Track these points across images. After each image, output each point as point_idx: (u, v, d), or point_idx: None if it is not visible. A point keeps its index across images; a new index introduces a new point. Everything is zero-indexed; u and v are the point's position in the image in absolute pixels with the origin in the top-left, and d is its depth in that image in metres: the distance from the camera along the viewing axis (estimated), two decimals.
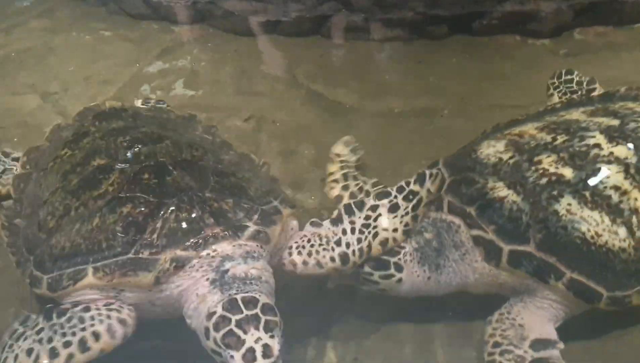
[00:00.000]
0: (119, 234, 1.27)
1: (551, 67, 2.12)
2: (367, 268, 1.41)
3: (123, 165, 1.41)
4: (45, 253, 1.36)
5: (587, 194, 1.36)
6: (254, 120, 2.21)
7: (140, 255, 1.25)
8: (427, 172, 1.43)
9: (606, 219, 1.34)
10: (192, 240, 1.26)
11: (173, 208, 1.30)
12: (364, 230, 1.40)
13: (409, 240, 1.44)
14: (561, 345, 1.29)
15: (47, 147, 1.72)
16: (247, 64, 2.58)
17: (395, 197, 1.43)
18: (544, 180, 1.39)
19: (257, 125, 2.19)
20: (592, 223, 1.34)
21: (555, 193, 1.37)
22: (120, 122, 1.65)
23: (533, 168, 1.42)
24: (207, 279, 1.23)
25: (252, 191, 1.43)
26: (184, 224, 1.27)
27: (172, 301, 1.27)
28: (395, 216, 1.42)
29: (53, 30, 2.97)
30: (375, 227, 1.41)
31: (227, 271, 1.23)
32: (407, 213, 1.41)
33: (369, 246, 1.39)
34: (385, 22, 2.59)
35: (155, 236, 1.26)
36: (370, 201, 1.44)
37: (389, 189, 1.44)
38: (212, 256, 1.25)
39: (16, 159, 1.83)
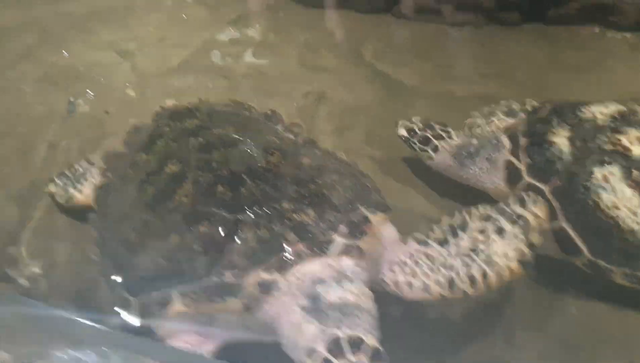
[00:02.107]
0: (199, 254, 1.21)
1: (629, 63, 2.03)
2: (414, 138, 1.72)
3: (195, 173, 1.33)
4: (130, 272, 1.32)
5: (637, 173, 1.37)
6: (314, 94, 2.24)
7: (224, 279, 1.18)
8: (526, 196, 1.34)
9: (636, 201, 1.35)
10: (274, 260, 1.17)
11: (251, 224, 1.21)
12: (473, 255, 1.27)
13: (457, 132, 1.70)
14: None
15: (125, 151, 1.65)
16: (315, 37, 2.61)
17: (498, 221, 1.31)
18: (608, 146, 1.43)
19: (316, 100, 2.21)
20: (620, 196, 1.36)
21: (606, 158, 1.41)
22: (195, 121, 1.56)
23: (611, 134, 1.45)
24: (299, 305, 1.14)
25: (337, 197, 1.31)
26: (264, 243, 1.19)
27: (265, 326, 1.19)
28: (506, 242, 1.28)
29: None
30: (486, 253, 1.27)
31: (319, 296, 1.13)
32: (517, 238, 1.28)
33: (484, 275, 1.24)
34: (457, 5, 2.54)
35: (235, 256, 1.19)
36: (473, 223, 1.33)
37: (489, 211, 1.34)
38: (299, 278, 1.16)
39: (92, 164, 1.80)
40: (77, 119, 2.15)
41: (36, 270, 1.60)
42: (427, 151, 1.71)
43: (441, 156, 1.70)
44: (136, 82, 2.35)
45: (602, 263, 1.37)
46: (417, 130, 1.75)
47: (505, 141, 1.59)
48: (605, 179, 1.38)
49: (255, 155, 1.37)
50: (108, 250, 1.41)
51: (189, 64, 2.47)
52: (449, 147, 1.69)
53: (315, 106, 2.19)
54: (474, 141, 1.66)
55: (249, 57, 2.52)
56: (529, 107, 1.72)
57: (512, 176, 1.54)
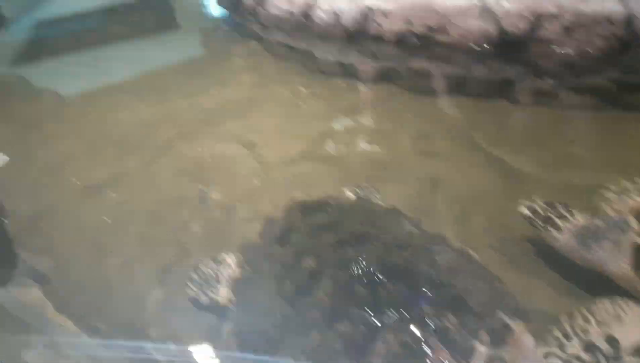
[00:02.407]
0: (340, 354, 1.21)
1: None
2: (538, 218, 1.72)
3: (332, 270, 1.36)
4: None
5: None
6: (429, 181, 2.28)
7: None
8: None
9: None
10: None
11: (392, 326, 1.21)
12: None
13: (581, 214, 1.68)
14: None
15: (260, 244, 1.70)
16: (428, 124, 2.68)
17: None
18: None
19: (432, 187, 2.25)
20: None
21: None
22: (326, 218, 1.62)
23: None
24: None
25: (475, 301, 1.27)
26: (406, 346, 1.17)
27: None
28: None
29: (259, 84, 3.36)
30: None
31: None
32: None
33: None
34: (574, 89, 2.52)
35: (376, 359, 1.17)
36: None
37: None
38: None
39: (221, 263, 1.82)
40: (208, 207, 2.32)
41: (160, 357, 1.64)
42: (551, 232, 1.70)
43: (565, 237, 1.68)
44: (260, 172, 2.51)
45: None
46: (540, 210, 1.76)
47: (633, 223, 1.55)
48: None
49: (389, 252, 1.38)
50: (248, 345, 1.42)
51: (307, 153, 2.61)
52: (573, 227, 1.68)
53: (432, 193, 2.22)
54: (599, 222, 1.63)
55: (363, 145, 2.62)
56: None
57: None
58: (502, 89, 2.73)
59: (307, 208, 1.71)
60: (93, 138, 2.97)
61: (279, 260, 1.51)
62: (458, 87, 2.84)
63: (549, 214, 1.73)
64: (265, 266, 1.56)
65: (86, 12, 5.62)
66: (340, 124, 2.81)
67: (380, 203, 1.86)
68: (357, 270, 1.34)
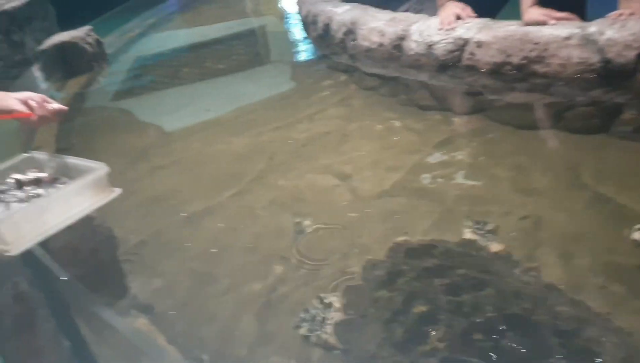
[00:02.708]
0: None
1: None
2: None
3: (447, 316, 1.32)
4: None
5: None
6: (530, 219, 2.20)
7: None
8: None
9: None
10: None
11: None
12: None
13: None
14: None
15: (363, 287, 1.66)
16: (528, 159, 2.60)
17: None
18: None
19: (534, 225, 2.17)
20: None
21: None
22: (434, 260, 1.60)
23: None
24: None
25: (608, 356, 1.20)
26: None
27: None
28: None
29: (348, 118, 3.41)
30: None
31: None
32: None
33: None
34: None
35: None
36: None
37: None
38: None
39: (329, 306, 1.78)
40: (304, 239, 2.36)
41: None
42: None
43: None
44: (354, 204, 2.52)
45: None
46: None
47: None
48: None
49: (507, 301, 1.33)
50: None
51: (402, 186, 2.60)
52: None
53: (533, 231, 2.14)
54: None
55: (460, 179, 2.57)
56: None
57: None
58: (604, 121, 2.61)
59: (412, 250, 1.69)
60: (193, 170, 3.11)
61: (387, 305, 1.48)
62: (557, 119, 2.75)
63: None
64: (371, 310, 1.52)
65: (180, 48, 5.95)
66: (434, 157, 2.79)
67: (485, 244, 1.80)
68: (475, 317, 1.29)
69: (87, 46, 5.25)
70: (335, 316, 1.65)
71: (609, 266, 1.88)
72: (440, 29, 3.14)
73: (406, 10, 4.27)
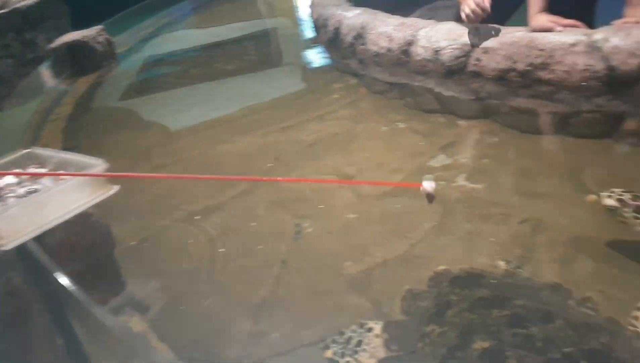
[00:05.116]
0: None
1: None
2: (627, 207, 1.72)
3: (517, 352, 1.18)
4: None
5: None
6: (531, 222, 2.18)
7: None
8: None
9: None
10: None
11: None
12: None
13: None
14: None
15: (406, 320, 1.51)
16: (530, 163, 2.58)
17: None
18: None
19: (534, 228, 2.15)
20: None
21: None
22: (485, 290, 1.45)
23: None
24: None
25: None
26: None
27: None
28: None
29: (356, 119, 3.40)
30: None
31: None
32: None
33: None
34: None
35: None
36: None
37: None
38: None
39: (369, 330, 1.62)
40: (303, 239, 2.35)
41: None
42: None
43: None
44: (356, 205, 2.52)
45: None
46: (628, 201, 1.76)
47: None
48: None
49: (581, 334, 1.23)
50: None
51: (403, 188, 2.59)
52: None
53: (532, 234, 2.13)
54: None
55: (462, 182, 2.56)
56: None
57: None
58: (608, 128, 2.59)
59: (458, 279, 1.55)
60: (196, 169, 3.12)
61: (439, 341, 1.31)
62: (562, 125, 2.73)
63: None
64: (420, 347, 1.37)
65: (191, 48, 5.97)
66: (438, 160, 2.78)
67: (526, 273, 1.69)
68: (551, 353, 1.17)
69: (97, 45, 5.30)
70: (375, 352, 1.48)
71: (607, 274, 1.86)
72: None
73: (417, 17, 4.26)
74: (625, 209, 1.74)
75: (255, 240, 2.40)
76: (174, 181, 2.93)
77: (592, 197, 1.87)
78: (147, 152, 3.45)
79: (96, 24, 5.59)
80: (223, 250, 2.36)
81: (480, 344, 1.22)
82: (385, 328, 1.48)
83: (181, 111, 4.13)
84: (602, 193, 1.83)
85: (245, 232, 2.47)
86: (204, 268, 2.27)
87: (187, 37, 6.66)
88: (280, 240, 2.37)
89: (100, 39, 5.38)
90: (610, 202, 1.78)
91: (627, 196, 1.77)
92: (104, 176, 1.64)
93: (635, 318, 1.53)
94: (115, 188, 1.66)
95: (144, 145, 3.58)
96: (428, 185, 1.28)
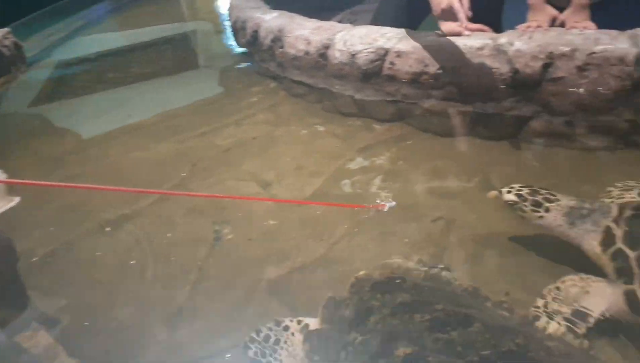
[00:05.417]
0: None
1: None
2: (525, 201, 1.85)
3: (438, 358, 1.17)
4: None
5: None
6: (443, 221, 2.27)
7: None
8: None
9: None
10: None
11: None
12: None
13: (569, 197, 1.85)
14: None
15: (328, 330, 1.45)
16: (443, 164, 2.68)
17: None
18: None
19: (446, 227, 2.24)
20: None
21: None
22: (405, 295, 1.41)
23: None
24: None
25: None
26: None
27: None
28: None
29: (275, 123, 3.40)
30: None
31: None
32: None
33: None
34: (589, 129, 2.51)
35: None
36: None
37: None
38: None
39: (287, 328, 1.61)
40: (223, 246, 2.33)
41: None
42: (539, 211, 1.84)
43: (552, 216, 1.83)
44: (276, 212, 2.51)
45: None
46: (526, 195, 1.88)
47: (614, 210, 1.74)
48: None
49: (498, 337, 1.23)
50: None
51: (322, 192, 2.62)
52: (560, 208, 1.83)
53: (445, 233, 2.21)
54: (587, 205, 1.80)
55: (378, 184, 2.62)
56: None
57: (608, 239, 1.68)
58: (515, 129, 2.72)
59: (381, 284, 1.51)
60: (111, 177, 3.01)
61: (363, 350, 1.28)
62: (472, 127, 2.84)
63: (537, 198, 1.86)
64: (343, 357, 1.33)
65: (107, 52, 5.77)
66: (356, 162, 2.83)
67: (445, 275, 1.74)
68: (470, 357, 1.17)
69: (4, 49, 5.02)
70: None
71: (514, 271, 1.96)
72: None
73: (340, 21, 4.31)
74: (525, 204, 1.84)
75: (172, 248, 2.36)
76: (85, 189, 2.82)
77: (494, 193, 1.96)
78: (59, 160, 3.30)
79: (2, 27, 5.29)
80: (138, 259, 2.30)
81: (403, 350, 1.22)
82: (306, 338, 1.46)
83: (94, 117, 3.98)
84: (502, 189, 1.92)
85: (162, 240, 2.42)
86: (116, 279, 2.20)
87: (103, 40, 6.43)
88: (199, 247, 2.34)
89: (7, 42, 5.10)
90: (510, 197, 1.88)
91: (525, 191, 1.87)
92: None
93: (537, 307, 1.63)
94: (16, 200, 1.57)
95: (55, 153, 3.42)
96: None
